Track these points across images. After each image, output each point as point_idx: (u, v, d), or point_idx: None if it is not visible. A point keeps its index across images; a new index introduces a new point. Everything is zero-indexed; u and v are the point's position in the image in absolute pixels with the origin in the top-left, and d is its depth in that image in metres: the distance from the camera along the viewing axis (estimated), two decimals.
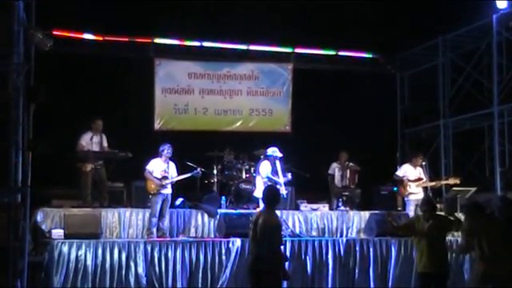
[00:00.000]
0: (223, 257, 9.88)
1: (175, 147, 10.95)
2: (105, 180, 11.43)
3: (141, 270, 9.51)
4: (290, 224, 11.33)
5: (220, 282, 9.81)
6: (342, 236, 11.52)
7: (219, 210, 11.26)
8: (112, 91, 13.05)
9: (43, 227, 10.15)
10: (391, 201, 13.04)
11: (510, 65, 12.87)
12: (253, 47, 14.87)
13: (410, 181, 12.26)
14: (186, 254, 9.72)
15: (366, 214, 11.84)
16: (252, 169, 12.29)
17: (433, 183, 12.57)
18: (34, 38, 8.86)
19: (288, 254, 9.82)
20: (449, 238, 9.30)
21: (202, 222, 11.23)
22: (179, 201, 11.56)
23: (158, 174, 10.73)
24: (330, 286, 10.30)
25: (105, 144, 11.54)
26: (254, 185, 11.61)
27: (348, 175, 12.99)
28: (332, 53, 15.32)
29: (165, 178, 10.72)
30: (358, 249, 10.55)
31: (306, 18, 13.80)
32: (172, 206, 11.08)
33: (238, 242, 9.95)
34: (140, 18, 13.29)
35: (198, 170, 11.43)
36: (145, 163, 10.90)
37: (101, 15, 12.73)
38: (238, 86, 14.89)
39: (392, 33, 14.22)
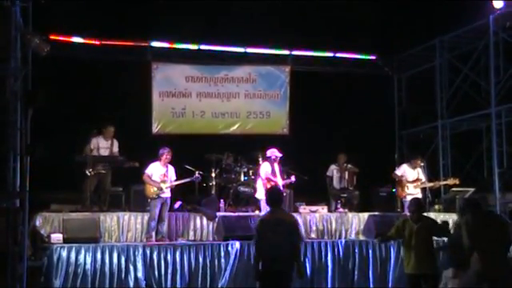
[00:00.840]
0: (222, 260, 9.86)
1: (173, 151, 10.91)
2: (106, 185, 11.40)
3: (140, 273, 9.50)
4: None
5: (219, 285, 9.79)
6: (340, 238, 11.52)
7: (218, 213, 11.26)
8: (110, 95, 13.05)
9: (42, 232, 10.16)
10: (390, 202, 13.05)
11: (507, 66, 12.88)
12: (250, 50, 14.88)
13: (407, 182, 12.27)
14: (185, 258, 9.71)
15: (364, 216, 11.83)
16: (250, 171, 12.30)
17: (431, 184, 12.60)
18: (31, 42, 8.85)
19: None
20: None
21: (200, 225, 11.23)
22: (178, 204, 11.55)
23: (157, 177, 10.71)
24: (329, 287, 10.30)
25: (115, 150, 11.51)
26: (254, 187, 11.61)
27: (346, 177, 12.97)
28: (329, 55, 15.34)
29: (164, 182, 10.70)
30: (357, 250, 10.56)
31: (302, 20, 13.83)
32: (171, 209, 11.06)
33: (236, 244, 9.94)
34: (137, 22, 13.31)
35: (197, 174, 11.42)
36: (143, 167, 10.89)
37: (98, 19, 12.76)
38: (236, 88, 14.89)
39: (389, 34, 14.28)
